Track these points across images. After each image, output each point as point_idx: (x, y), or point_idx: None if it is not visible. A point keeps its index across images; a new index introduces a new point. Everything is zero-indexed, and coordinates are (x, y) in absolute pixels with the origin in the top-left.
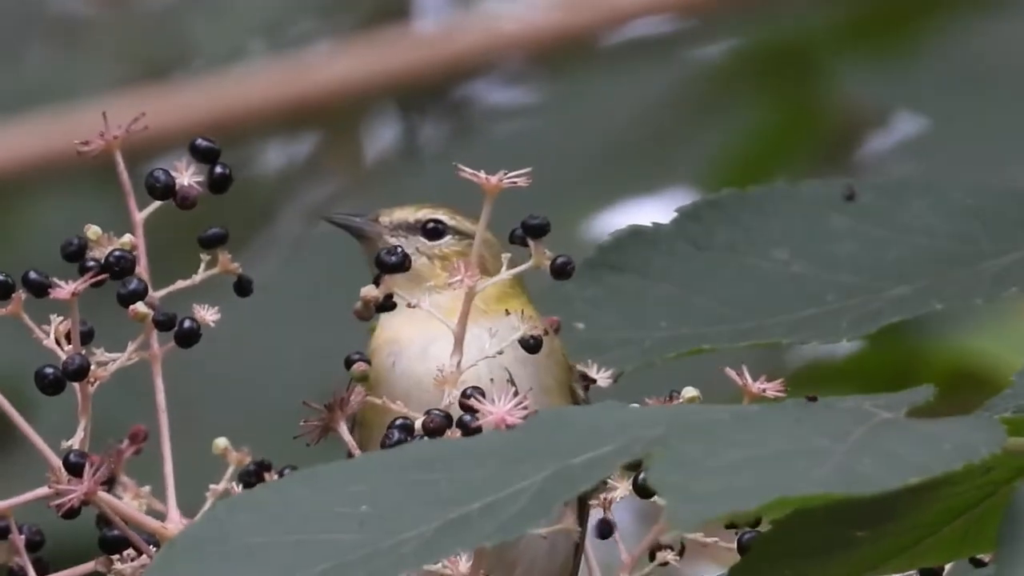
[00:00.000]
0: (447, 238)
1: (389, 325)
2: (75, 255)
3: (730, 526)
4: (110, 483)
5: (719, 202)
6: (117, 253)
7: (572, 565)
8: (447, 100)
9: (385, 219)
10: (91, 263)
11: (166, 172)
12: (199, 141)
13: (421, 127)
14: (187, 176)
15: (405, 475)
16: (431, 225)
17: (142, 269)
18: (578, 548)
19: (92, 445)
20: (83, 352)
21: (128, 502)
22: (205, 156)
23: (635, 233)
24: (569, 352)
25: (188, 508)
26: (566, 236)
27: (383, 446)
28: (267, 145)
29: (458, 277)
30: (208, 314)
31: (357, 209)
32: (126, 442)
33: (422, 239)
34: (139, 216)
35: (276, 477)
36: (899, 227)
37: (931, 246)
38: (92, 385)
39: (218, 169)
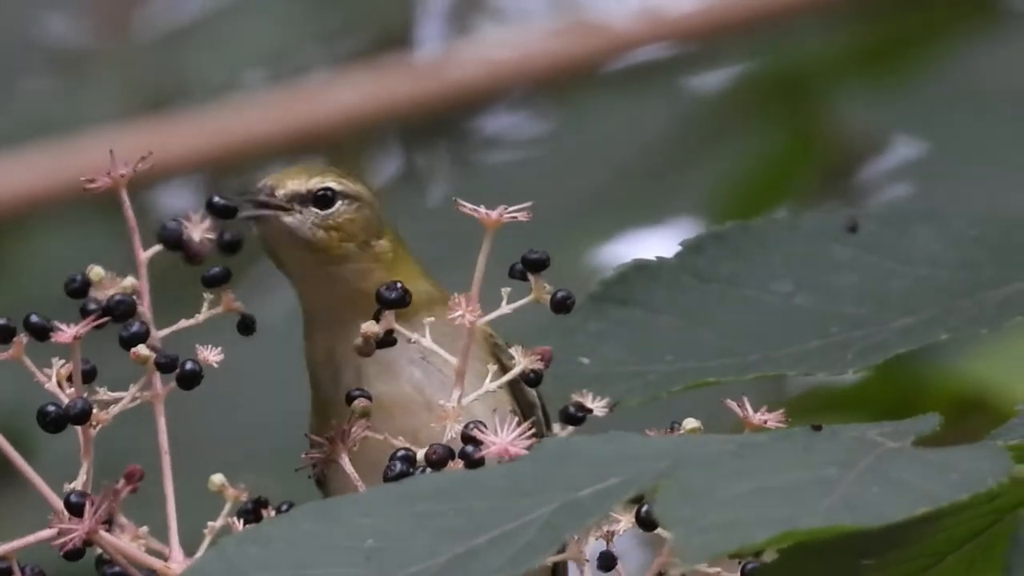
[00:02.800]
0: (338, 204)
1: (312, 348)
2: (78, 292)
3: (734, 556)
4: (109, 523)
5: (722, 235)
6: (118, 297)
7: None
8: (449, 129)
9: (280, 191)
10: (93, 305)
11: (178, 223)
12: (216, 199)
13: (422, 156)
14: (199, 231)
15: (411, 507)
16: (322, 193)
17: (145, 309)
18: None
19: (95, 479)
20: (85, 395)
21: (127, 543)
22: (221, 214)
23: (639, 267)
24: (573, 387)
25: (185, 544)
26: (569, 267)
27: (385, 478)
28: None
29: (459, 312)
30: (211, 354)
31: (245, 188)
32: (122, 482)
33: (315, 210)
34: (143, 256)
35: (274, 514)
36: (902, 257)
37: (934, 276)
38: (94, 428)
39: (227, 236)
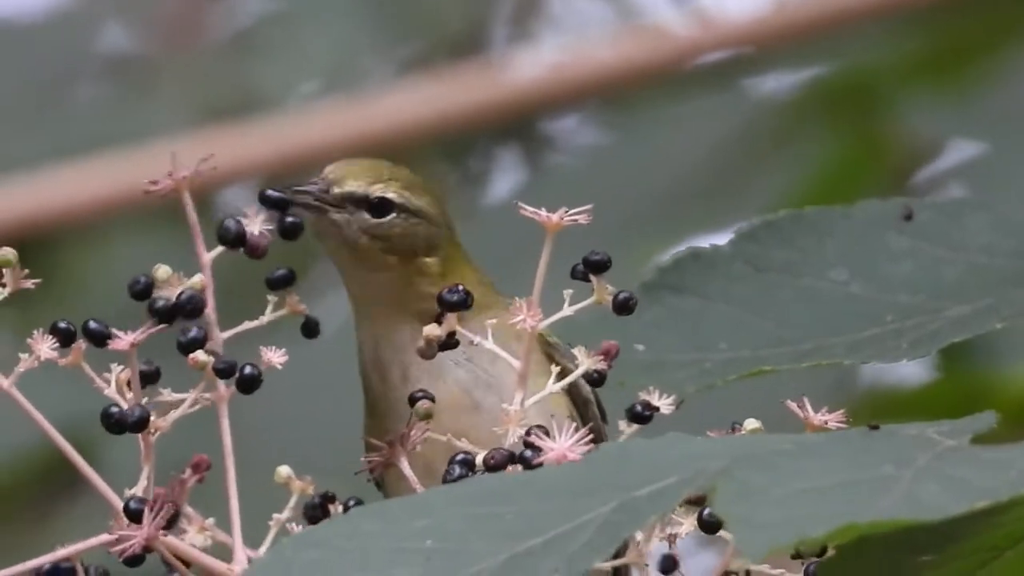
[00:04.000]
0: (391, 216)
1: (362, 349)
2: (142, 294)
3: (796, 556)
4: (174, 518)
5: (776, 223)
6: (188, 293)
7: None
8: (511, 135)
9: (337, 188)
10: (161, 303)
11: (237, 221)
12: (269, 192)
13: (485, 161)
14: (257, 225)
15: (470, 509)
16: (378, 201)
17: (209, 310)
18: None
19: (156, 482)
20: (143, 401)
21: (193, 535)
22: (276, 206)
23: (694, 255)
24: (629, 374)
25: (248, 541)
26: (632, 274)
27: (444, 481)
28: None
29: (520, 316)
30: (275, 356)
31: (305, 179)
32: (188, 472)
33: (365, 215)
34: (207, 257)
35: (341, 509)
36: (957, 246)
37: (990, 265)
38: (153, 435)
39: (289, 218)
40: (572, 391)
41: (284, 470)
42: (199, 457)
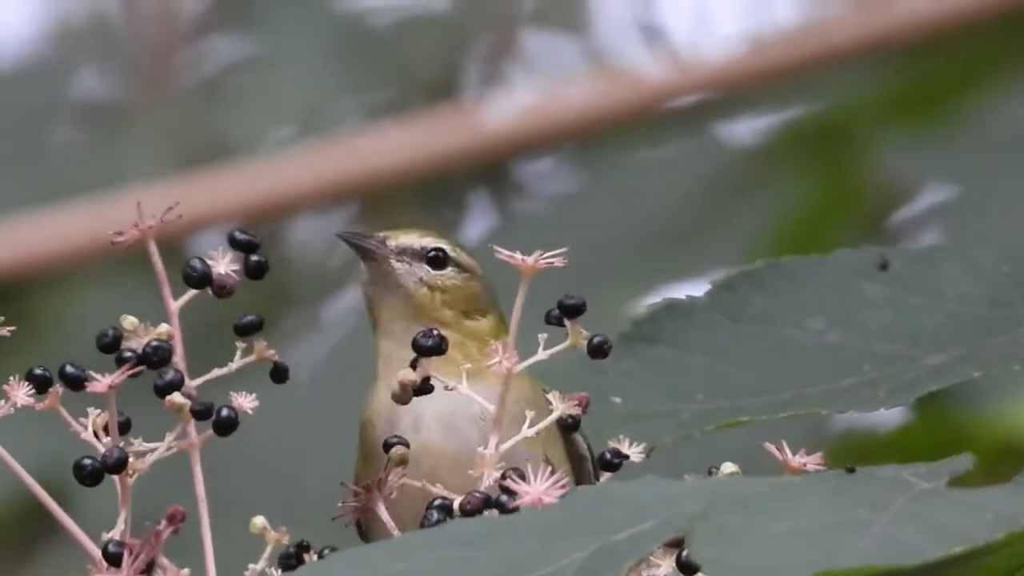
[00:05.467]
0: (448, 269)
1: (378, 396)
2: (110, 346)
3: None
4: (149, 568)
5: (752, 273)
6: (155, 343)
7: None
8: (484, 180)
9: (392, 242)
10: (128, 354)
11: (202, 261)
12: (237, 234)
13: (457, 207)
14: (224, 265)
15: (446, 553)
16: (434, 254)
17: (179, 358)
18: None
19: (133, 530)
20: (121, 444)
21: None
22: (244, 249)
23: (670, 306)
24: (606, 426)
25: None
26: (607, 320)
27: (422, 526)
28: (308, 224)
29: (496, 359)
30: (246, 401)
31: (363, 231)
32: (163, 523)
33: (426, 267)
34: (174, 305)
35: (316, 558)
36: (933, 294)
37: (966, 313)
38: (131, 477)
39: (254, 257)
40: (568, 447)
41: (259, 520)
42: (174, 508)
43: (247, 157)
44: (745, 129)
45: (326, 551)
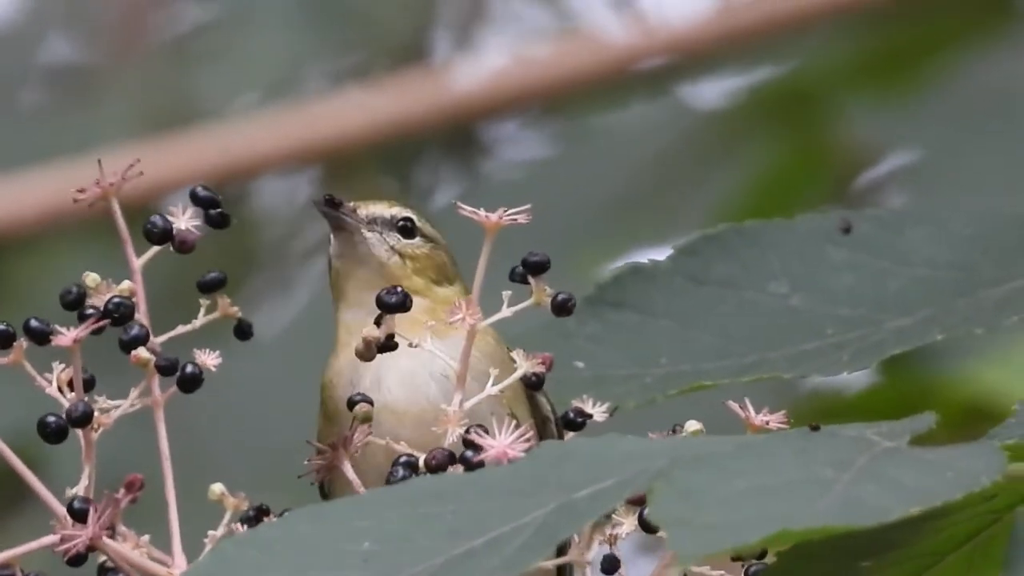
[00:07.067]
0: (417, 239)
1: (339, 359)
2: (74, 303)
3: (736, 558)
4: (112, 529)
5: (716, 237)
6: (116, 299)
7: None
8: (454, 143)
9: (362, 211)
10: (91, 310)
11: (163, 217)
12: (199, 190)
13: (427, 169)
14: (184, 220)
15: (411, 509)
16: (403, 223)
17: (142, 315)
18: None
19: (98, 491)
20: (86, 399)
21: (130, 549)
22: (205, 205)
23: (634, 270)
24: (571, 390)
25: (189, 553)
26: (577, 283)
27: (388, 483)
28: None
29: (459, 315)
30: (209, 359)
31: (336, 197)
32: (122, 491)
33: (397, 235)
34: (137, 262)
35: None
36: (898, 258)
37: (930, 276)
38: (96, 432)
39: (214, 212)
40: (533, 408)
41: (217, 487)
42: (132, 476)
43: (215, 120)
44: (713, 92)
45: (286, 513)
